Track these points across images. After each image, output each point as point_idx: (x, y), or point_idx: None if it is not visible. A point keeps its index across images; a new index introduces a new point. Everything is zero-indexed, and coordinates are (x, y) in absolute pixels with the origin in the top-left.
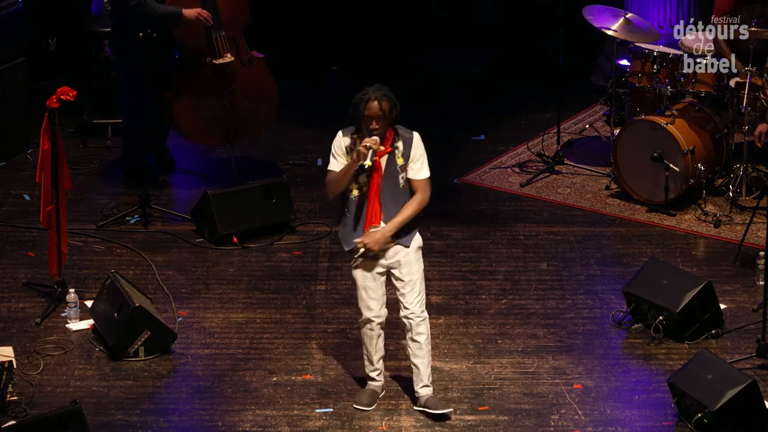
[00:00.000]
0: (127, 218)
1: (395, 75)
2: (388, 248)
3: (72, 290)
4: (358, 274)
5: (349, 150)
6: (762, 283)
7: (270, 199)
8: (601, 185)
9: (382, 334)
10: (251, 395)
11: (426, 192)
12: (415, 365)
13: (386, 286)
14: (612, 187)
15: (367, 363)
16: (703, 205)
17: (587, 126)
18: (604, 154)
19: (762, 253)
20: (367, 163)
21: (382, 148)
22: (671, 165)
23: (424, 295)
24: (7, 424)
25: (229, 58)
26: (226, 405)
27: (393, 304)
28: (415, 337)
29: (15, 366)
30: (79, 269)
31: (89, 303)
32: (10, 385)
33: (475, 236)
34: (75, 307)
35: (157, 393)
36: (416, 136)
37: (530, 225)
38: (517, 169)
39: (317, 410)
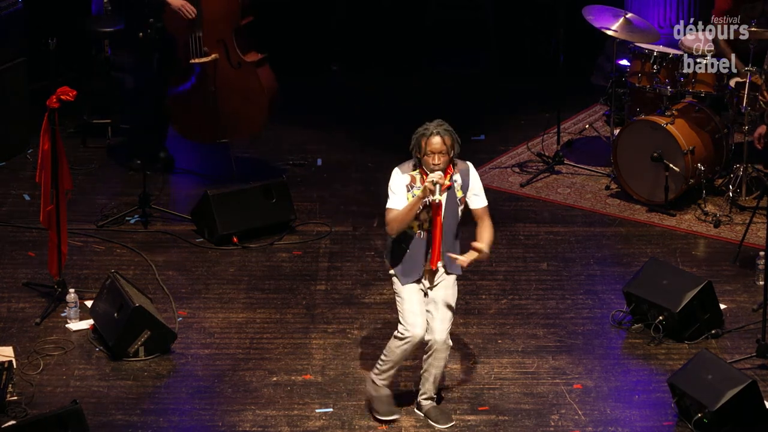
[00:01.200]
0: (127, 218)
1: (395, 75)
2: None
3: (72, 290)
4: (406, 289)
5: (410, 188)
6: (762, 283)
7: (270, 199)
8: (601, 185)
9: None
10: (251, 395)
11: (490, 218)
12: (425, 377)
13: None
14: (612, 187)
15: (385, 373)
16: (703, 205)
17: (587, 126)
18: (604, 154)
19: (762, 253)
20: (437, 197)
21: (447, 182)
22: (671, 165)
23: (451, 324)
24: (7, 424)
25: (208, 58)
26: (226, 405)
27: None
28: (433, 361)
29: (15, 366)
30: (79, 269)
31: (89, 303)
32: (10, 385)
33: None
34: (75, 307)
35: (157, 393)
36: (470, 166)
37: (530, 225)
38: (517, 169)
39: (317, 410)
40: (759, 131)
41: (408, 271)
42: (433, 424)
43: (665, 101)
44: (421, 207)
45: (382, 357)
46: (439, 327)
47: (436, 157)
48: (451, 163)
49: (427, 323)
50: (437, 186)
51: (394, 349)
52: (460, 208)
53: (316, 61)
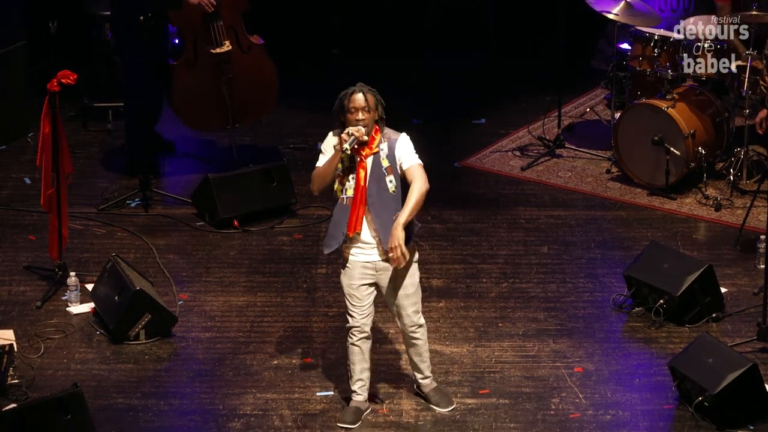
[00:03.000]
0: (127, 202)
1: (396, 58)
2: (381, 259)
3: (73, 274)
4: (345, 281)
5: (335, 149)
6: (762, 266)
7: (270, 182)
8: (602, 169)
9: (366, 347)
10: (252, 378)
11: (422, 177)
12: (413, 362)
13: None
14: (613, 171)
15: (350, 374)
16: (703, 189)
17: (588, 110)
18: (604, 138)
19: (763, 237)
20: (346, 146)
21: (365, 138)
22: (672, 149)
23: (420, 303)
24: (7, 408)
25: (227, 47)
26: (226, 388)
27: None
28: (413, 342)
29: (16, 349)
30: (80, 253)
31: (90, 286)
32: (11, 369)
33: (476, 220)
34: (76, 290)
35: (158, 376)
36: (403, 136)
37: (531, 209)
38: (517, 153)
39: (318, 393)
40: (760, 116)
41: (330, 237)
42: (434, 407)
43: (666, 85)
44: (341, 169)
45: (348, 364)
46: (405, 313)
47: (360, 113)
48: (378, 127)
49: (396, 313)
50: (351, 137)
51: (348, 347)
52: (388, 178)
53: (317, 45)
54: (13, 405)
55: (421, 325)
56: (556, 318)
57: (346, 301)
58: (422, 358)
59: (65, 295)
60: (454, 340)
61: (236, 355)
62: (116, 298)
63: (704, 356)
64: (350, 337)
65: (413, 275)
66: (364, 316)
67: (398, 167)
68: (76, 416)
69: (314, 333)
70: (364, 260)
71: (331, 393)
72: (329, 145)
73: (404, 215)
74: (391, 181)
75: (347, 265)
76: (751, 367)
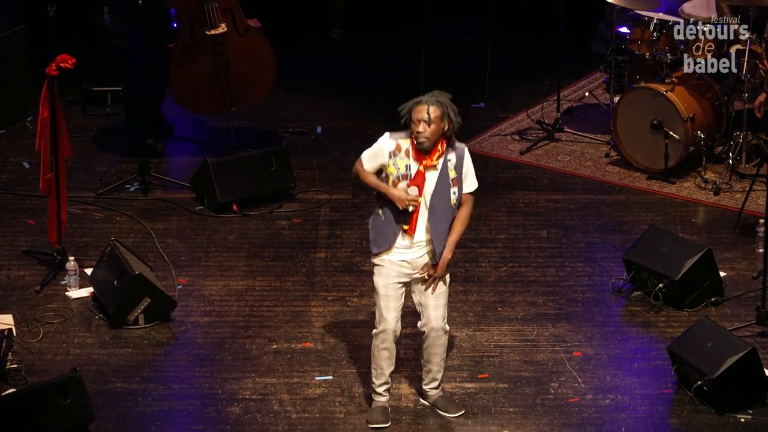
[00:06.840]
0: (126, 186)
1: (395, 42)
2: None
3: (72, 258)
4: (380, 282)
5: (392, 155)
6: (761, 250)
7: (270, 166)
8: (601, 153)
9: (394, 349)
10: (251, 363)
11: (471, 205)
12: (427, 367)
13: (406, 298)
14: (612, 155)
15: (374, 377)
16: (702, 173)
17: (587, 93)
18: (603, 122)
19: (762, 221)
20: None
21: (415, 204)
22: (671, 132)
23: (446, 309)
24: (6, 392)
25: (222, 28)
26: (225, 372)
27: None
28: (433, 349)
29: (15, 334)
30: (79, 237)
31: (89, 271)
32: (10, 353)
33: (475, 204)
34: (75, 275)
35: (157, 361)
36: (465, 148)
37: (530, 192)
38: (516, 137)
39: (317, 378)
40: (759, 99)
41: (380, 236)
42: (442, 413)
43: (665, 68)
44: (395, 176)
45: (372, 366)
46: (434, 314)
47: (421, 125)
48: (447, 140)
49: (421, 312)
50: (410, 206)
51: (373, 349)
52: (453, 189)
53: (316, 27)
54: (12, 389)
55: (446, 331)
56: (555, 302)
57: (381, 303)
58: (440, 368)
59: (64, 280)
60: (453, 324)
61: (235, 340)
62: (115, 282)
63: (703, 340)
64: (380, 342)
65: (447, 273)
66: (397, 319)
67: (462, 182)
68: (75, 401)
69: (313, 317)
70: (400, 259)
71: (330, 377)
72: (383, 147)
73: (453, 247)
74: (454, 193)
75: (382, 264)
76: (750, 351)
